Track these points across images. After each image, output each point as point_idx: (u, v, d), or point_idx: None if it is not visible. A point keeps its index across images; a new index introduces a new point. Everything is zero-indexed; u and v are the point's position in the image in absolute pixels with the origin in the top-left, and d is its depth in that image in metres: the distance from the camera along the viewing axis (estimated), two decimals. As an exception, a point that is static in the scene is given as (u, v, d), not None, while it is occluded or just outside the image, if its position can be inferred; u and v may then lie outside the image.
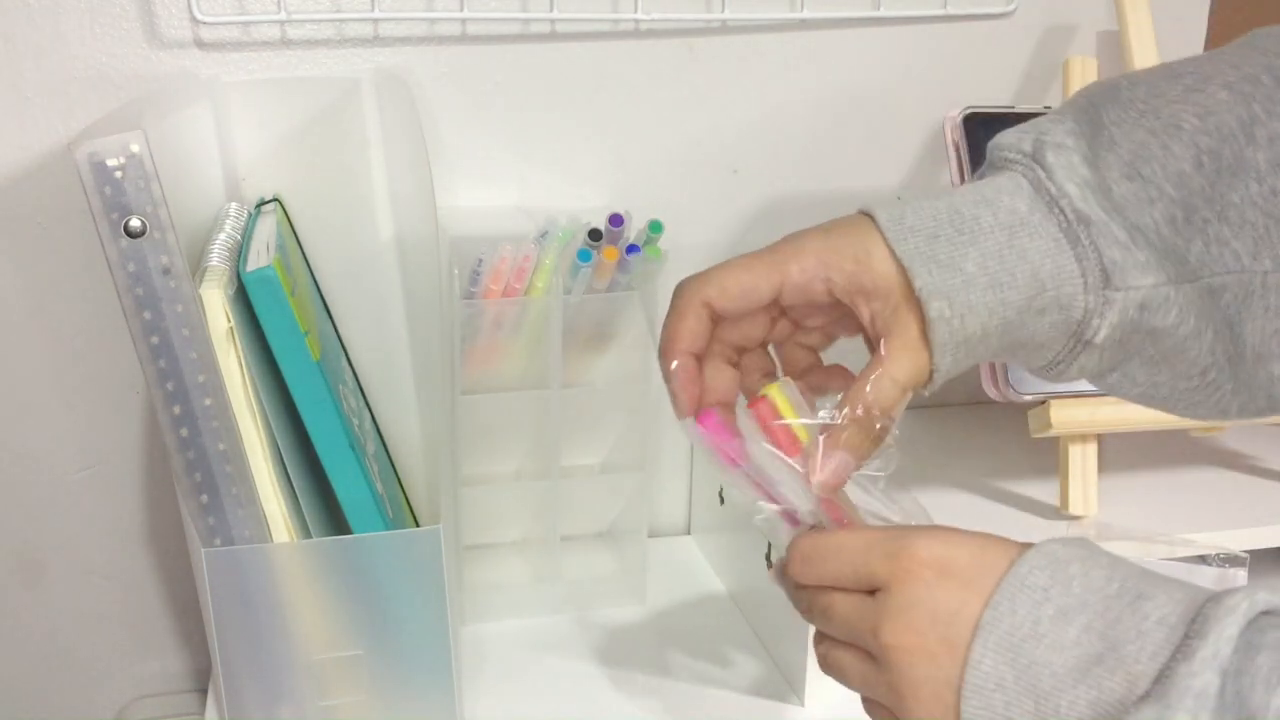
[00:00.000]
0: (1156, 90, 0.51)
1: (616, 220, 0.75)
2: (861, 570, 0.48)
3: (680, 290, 0.53)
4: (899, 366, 0.49)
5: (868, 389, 0.49)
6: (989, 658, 0.44)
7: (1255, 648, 0.40)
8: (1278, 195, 0.48)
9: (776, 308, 0.53)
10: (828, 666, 0.51)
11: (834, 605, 0.49)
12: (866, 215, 0.50)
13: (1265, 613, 0.41)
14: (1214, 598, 0.41)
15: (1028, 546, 0.46)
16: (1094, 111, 0.51)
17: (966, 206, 0.49)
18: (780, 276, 0.51)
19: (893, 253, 0.49)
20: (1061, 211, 0.48)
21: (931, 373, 0.49)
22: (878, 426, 0.50)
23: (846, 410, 0.50)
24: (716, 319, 0.53)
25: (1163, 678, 0.40)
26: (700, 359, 0.53)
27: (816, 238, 0.51)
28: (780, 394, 0.51)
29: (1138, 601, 0.43)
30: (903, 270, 0.48)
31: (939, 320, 0.48)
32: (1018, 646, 0.43)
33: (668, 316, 0.53)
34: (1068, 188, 0.48)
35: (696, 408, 0.53)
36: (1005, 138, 0.51)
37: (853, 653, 0.49)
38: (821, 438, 0.50)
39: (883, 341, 0.49)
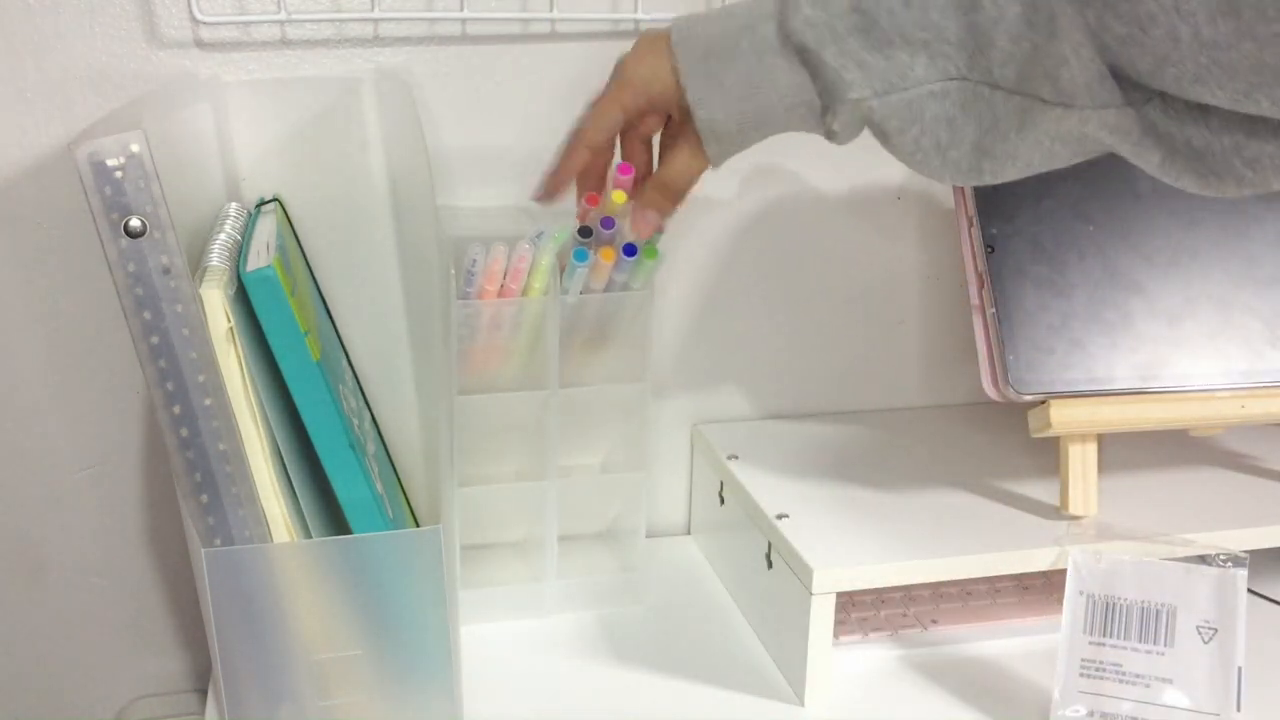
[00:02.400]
0: None
1: (608, 223, 0.75)
2: None
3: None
4: (680, 153, 0.69)
5: (665, 169, 0.71)
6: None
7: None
8: (976, 27, 0.59)
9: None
10: None
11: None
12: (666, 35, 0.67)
13: None
14: None
15: None
16: None
17: (734, 29, 0.65)
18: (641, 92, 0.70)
19: (676, 73, 0.66)
20: (787, 38, 0.63)
21: (706, 157, 0.68)
22: (671, 192, 0.72)
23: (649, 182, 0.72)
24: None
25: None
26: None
27: (632, 67, 0.69)
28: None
29: None
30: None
31: (703, 122, 0.66)
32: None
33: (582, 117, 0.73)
34: (792, 23, 0.62)
35: (560, 192, 0.75)
36: None
37: None
38: (633, 201, 0.74)
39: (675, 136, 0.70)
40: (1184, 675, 0.74)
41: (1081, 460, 0.84)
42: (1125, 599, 0.76)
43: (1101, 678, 0.75)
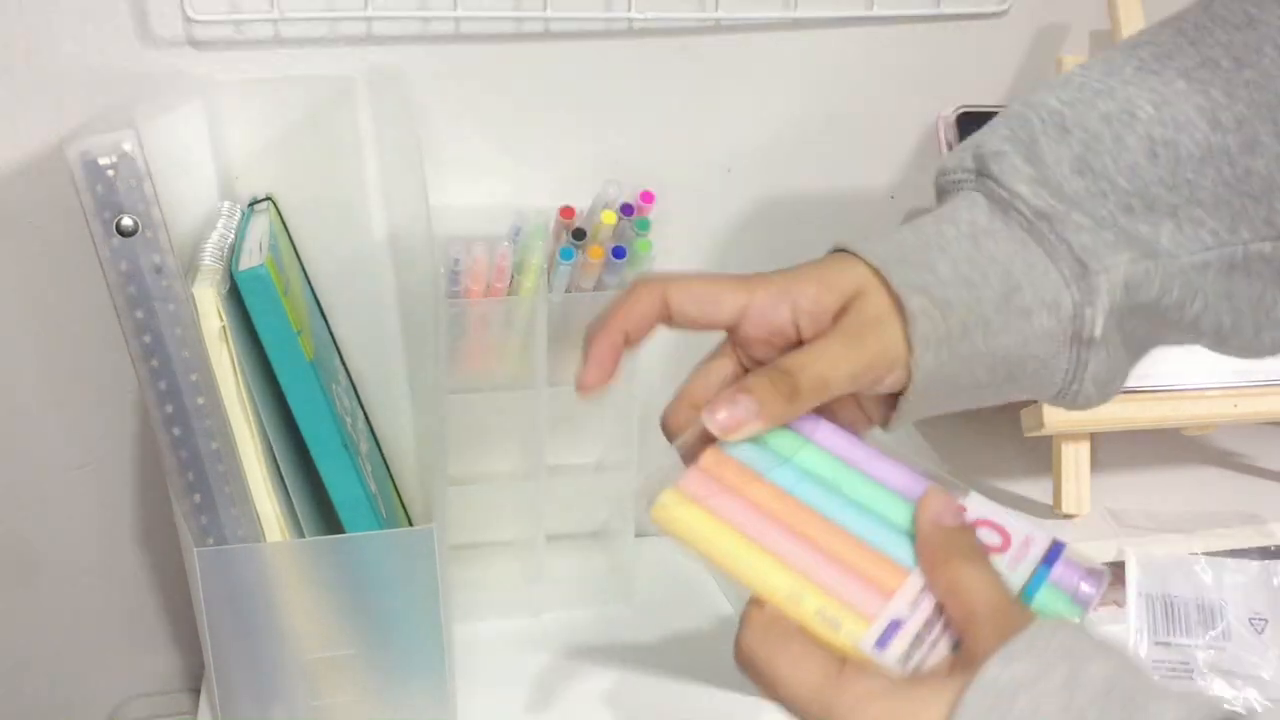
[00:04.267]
0: (1111, 67, 0.50)
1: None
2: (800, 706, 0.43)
3: (642, 277, 0.51)
4: (851, 347, 0.46)
5: (807, 354, 0.47)
6: None
7: None
8: (1252, 175, 0.48)
9: (734, 344, 0.51)
10: None
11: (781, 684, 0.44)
12: (829, 252, 0.50)
13: None
14: None
15: (972, 674, 0.40)
16: (1037, 105, 0.50)
17: (928, 226, 0.50)
18: (746, 296, 0.49)
19: (863, 260, 0.48)
20: (1019, 212, 0.48)
21: (910, 373, 0.47)
22: (798, 389, 0.46)
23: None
24: (668, 317, 0.50)
25: None
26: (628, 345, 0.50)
27: (781, 271, 0.50)
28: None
29: None
30: (875, 273, 0.47)
31: (919, 315, 0.46)
32: None
33: (618, 296, 0.51)
34: (1019, 189, 0.48)
35: (601, 384, 0.50)
36: (947, 161, 0.52)
37: None
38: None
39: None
40: (1249, 667, 0.75)
41: (1074, 459, 0.84)
42: (1181, 597, 0.76)
43: (1175, 677, 0.75)
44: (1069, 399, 0.50)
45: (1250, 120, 0.48)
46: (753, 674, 0.44)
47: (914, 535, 0.45)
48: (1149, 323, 0.50)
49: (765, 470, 0.47)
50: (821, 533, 0.45)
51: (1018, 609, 0.42)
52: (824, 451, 0.48)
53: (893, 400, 0.49)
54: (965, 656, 0.41)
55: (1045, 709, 0.38)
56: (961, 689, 0.39)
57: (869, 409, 0.51)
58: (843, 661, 0.42)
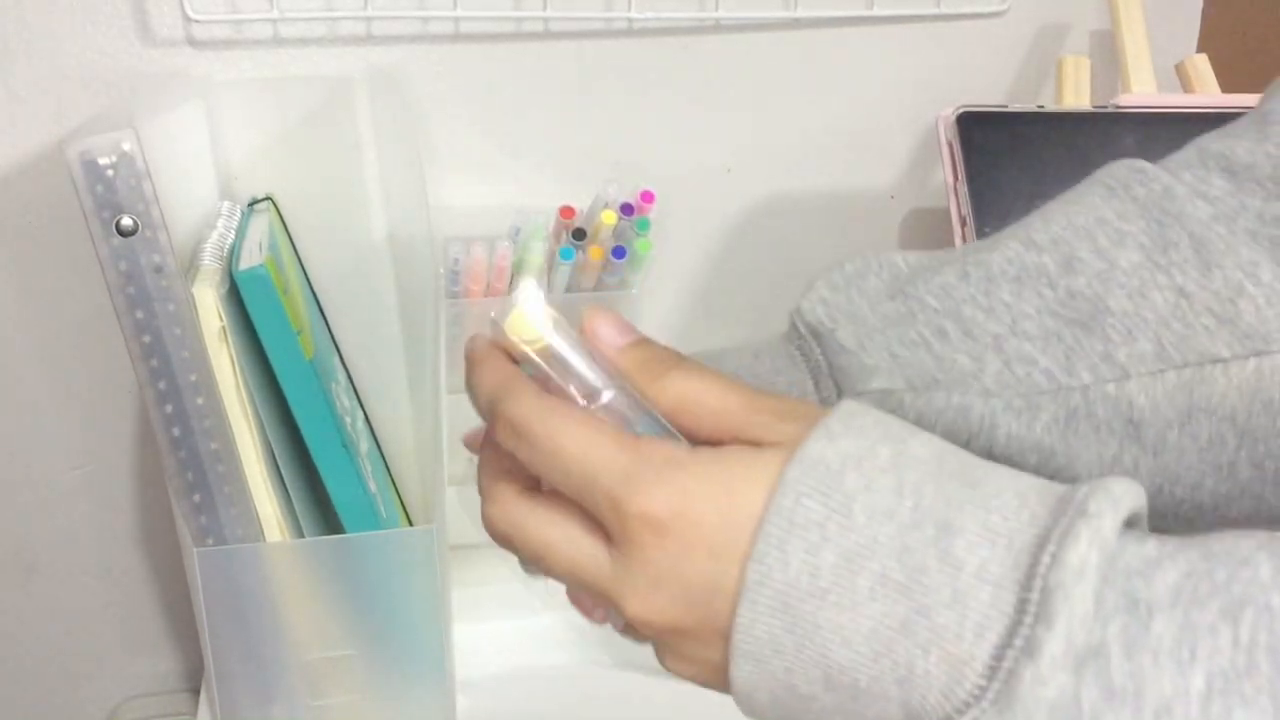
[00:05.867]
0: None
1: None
2: (584, 499, 0.37)
3: None
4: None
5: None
6: (761, 621, 0.34)
7: (1142, 608, 0.31)
8: (1075, 297, 0.43)
9: None
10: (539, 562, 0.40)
11: (553, 546, 0.39)
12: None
13: (1126, 537, 0.32)
14: (1052, 551, 0.32)
15: (787, 451, 0.35)
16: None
17: (731, 349, 0.51)
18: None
19: None
20: (793, 329, 0.49)
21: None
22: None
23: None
24: None
25: (1000, 680, 0.31)
26: None
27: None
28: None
29: (944, 538, 0.33)
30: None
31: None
32: (795, 606, 0.34)
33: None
34: (801, 305, 0.49)
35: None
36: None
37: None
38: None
39: None
40: None
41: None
42: None
43: None
44: None
45: (1067, 240, 0.44)
46: (525, 451, 0.38)
47: None
48: None
49: None
50: None
51: (775, 397, 0.38)
52: None
53: None
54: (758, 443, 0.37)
55: (878, 485, 0.34)
56: (782, 463, 0.35)
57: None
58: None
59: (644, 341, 0.41)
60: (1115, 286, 0.43)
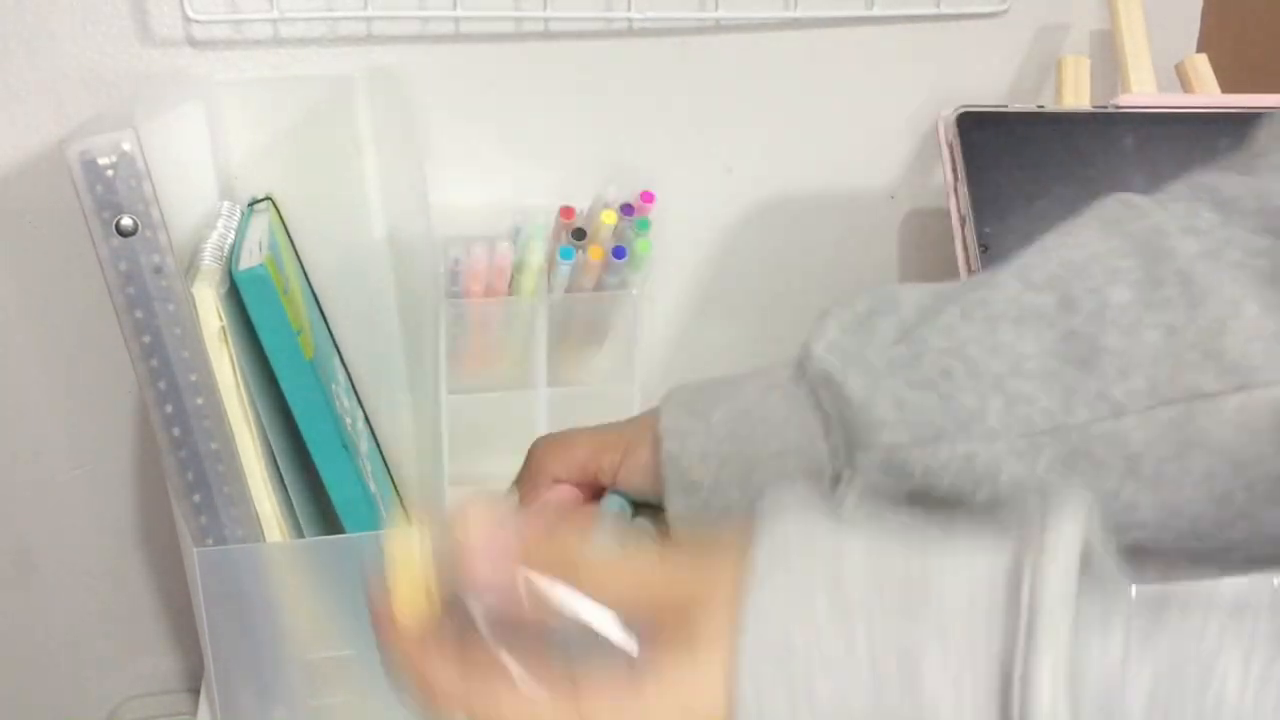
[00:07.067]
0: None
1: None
2: None
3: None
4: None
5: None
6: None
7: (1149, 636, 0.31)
8: (1073, 336, 0.43)
9: None
10: None
11: None
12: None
13: (1089, 628, 0.31)
14: (1019, 688, 0.31)
15: (724, 646, 0.33)
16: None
17: (744, 377, 0.50)
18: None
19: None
20: (804, 371, 0.48)
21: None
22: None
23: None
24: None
25: None
26: None
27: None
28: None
29: (911, 680, 0.32)
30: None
31: (668, 455, 0.48)
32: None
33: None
34: (814, 348, 0.48)
35: None
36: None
37: None
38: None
39: None
40: None
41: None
42: None
43: None
44: None
45: (1064, 278, 0.45)
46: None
47: None
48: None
49: None
50: None
51: (682, 552, 0.37)
52: None
53: None
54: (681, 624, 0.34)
55: (831, 653, 0.32)
56: (731, 638, 0.33)
57: None
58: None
59: (533, 543, 0.37)
60: (1109, 324, 0.43)
